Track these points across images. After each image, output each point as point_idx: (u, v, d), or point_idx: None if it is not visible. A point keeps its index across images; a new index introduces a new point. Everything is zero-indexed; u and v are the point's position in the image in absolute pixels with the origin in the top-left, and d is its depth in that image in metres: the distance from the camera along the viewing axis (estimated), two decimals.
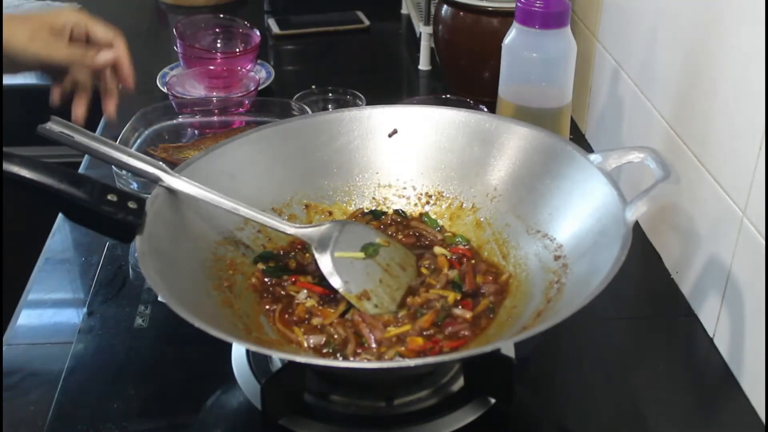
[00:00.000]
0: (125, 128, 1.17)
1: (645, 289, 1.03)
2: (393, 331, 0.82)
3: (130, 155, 0.84)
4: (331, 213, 0.98)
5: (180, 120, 1.24)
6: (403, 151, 0.99)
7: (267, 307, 0.86)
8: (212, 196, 0.85)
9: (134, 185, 1.10)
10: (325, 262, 0.86)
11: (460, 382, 0.84)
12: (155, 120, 1.22)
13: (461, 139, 0.97)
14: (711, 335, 0.93)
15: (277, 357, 0.83)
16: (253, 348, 0.76)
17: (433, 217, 0.98)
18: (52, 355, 0.91)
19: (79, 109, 0.99)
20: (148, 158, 0.85)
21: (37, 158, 0.77)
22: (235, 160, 0.93)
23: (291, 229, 0.89)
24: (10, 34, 0.92)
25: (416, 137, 0.99)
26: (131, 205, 0.79)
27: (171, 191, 0.84)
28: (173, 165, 1.09)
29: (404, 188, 0.99)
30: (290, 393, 0.78)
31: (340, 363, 0.79)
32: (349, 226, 0.92)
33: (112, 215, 0.78)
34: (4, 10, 0.96)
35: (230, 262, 0.88)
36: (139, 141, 1.19)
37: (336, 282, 0.85)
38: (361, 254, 0.88)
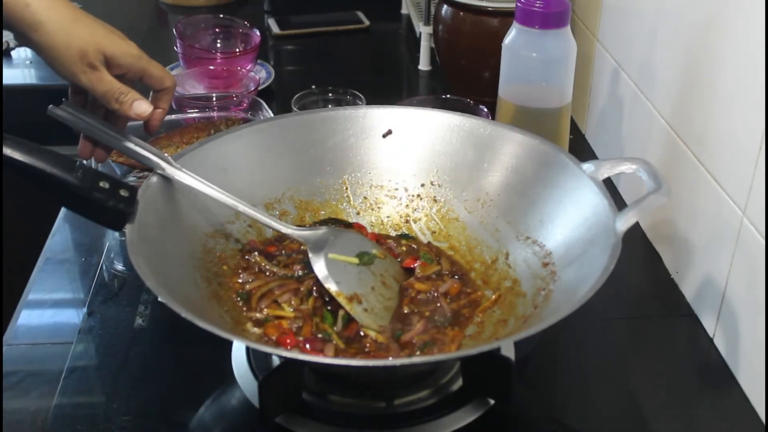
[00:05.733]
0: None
1: (645, 289, 1.03)
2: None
3: (135, 143, 0.85)
4: (324, 213, 0.99)
5: (133, 123, 1.21)
6: (396, 152, 0.99)
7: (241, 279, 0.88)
8: (213, 191, 0.86)
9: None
10: (319, 264, 0.86)
11: (460, 383, 0.84)
12: None
13: (455, 142, 0.97)
14: (711, 335, 0.93)
15: (264, 351, 0.83)
16: (242, 342, 0.76)
17: (424, 219, 0.98)
18: (52, 355, 0.91)
19: None
20: (152, 148, 0.86)
21: (33, 143, 0.77)
22: (228, 153, 0.93)
23: (287, 230, 0.89)
24: (62, 48, 0.81)
25: (410, 139, 0.99)
26: (123, 192, 0.79)
27: (164, 181, 0.85)
28: (132, 168, 1.10)
29: (396, 189, 0.99)
30: (288, 391, 0.78)
31: (337, 360, 0.79)
32: (347, 233, 0.93)
33: (103, 202, 0.78)
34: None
35: (220, 254, 0.89)
36: None
37: (330, 284, 0.85)
38: (356, 260, 0.88)
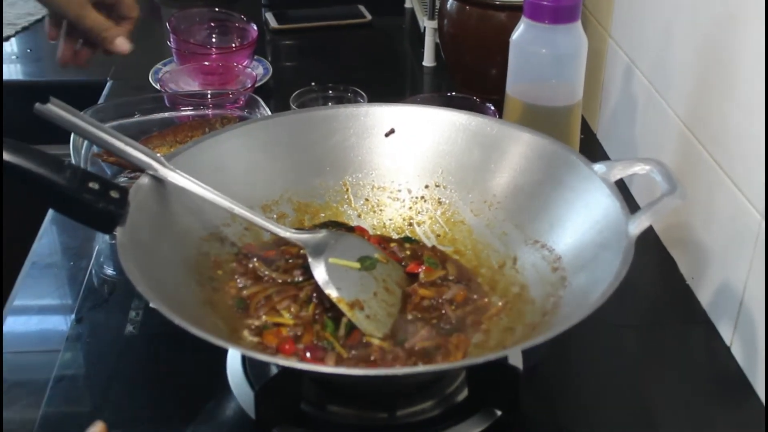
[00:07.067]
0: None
1: (659, 296, 1.03)
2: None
3: (127, 143, 0.85)
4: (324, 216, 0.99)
5: (124, 120, 1.22)
6: (399, 152, 0.99)
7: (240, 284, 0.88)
8: (208, 193, 0.86)
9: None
10: (319, 269, 0.86)
11: (465, 393, 0.84)
12: (106, 119, 1.20)
13: (461, 142, 0.97)
14: (728, 344, 0.93)
15: (261, 359, 0.83)
16: (238, 350, 0.77)
17: (428, 222, 0.98)
18: (38, 363, 0.91)
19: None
20: (143, 147, 0.86)
21: (19, 142, 0.77)
22: (224, 153, 0.93)
23: (286, 233, 0.89)
24: None
25: (414, 138, 0.99)
26: (113, 194, 0.79)
27: (157, 183, 0.85)
28: (123, 168, 1.11)
29: (399, 191, 1.00)
30: (285, 401, 0.78)
31: (336, 370, 0.79)
32: (347, 236, 0.93)
33: (92, 204, 0.78)
34: None
35: (215, 259, 0.89)
36: (86, 143, 1.14)
37: (330, 289, 0.85)
38: (357, 264, 0.88)
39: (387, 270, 0.90)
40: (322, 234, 0.90)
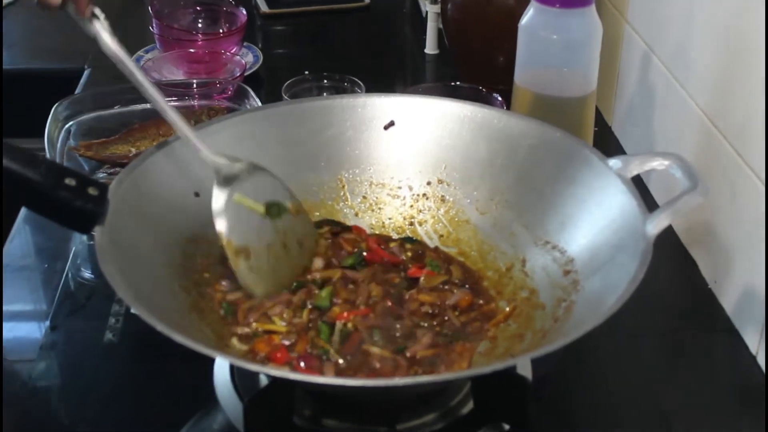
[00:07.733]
0: (48, 123, 1.15)
1: (679, 301, 1.03)
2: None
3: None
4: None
5: (103, 112, 1.22)
6: (399, 145, 0.99)
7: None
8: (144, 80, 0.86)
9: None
10: (218, 198, 0.85)
11: (471, 405, 0.84)
12: (76, 113, 1.20)
13: (466, 135, 0.97)
14: (754, 352, 0.93)
15: (250, 369, 0.82)
16: (225, 359, 0.76)
17: (430, 221, 0.98)
18: (10, 374, 0.90)
19: None
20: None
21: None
22: (213, 146, 0.93)
23: (204, 152, 0.86)
24: None
25: (416, 131, 0.99)
26: (91, 191, 0.79)
27: (139, 179, 0.85)
28: (102, 163, 1.11)
29: (399, 188, 1.00)
30: (276, 413, 0.78)
31: (331, 380, 0.79)
32: (265, 174, 0.91)
33: (69, 202, 0.78)
34: None
35: (201, 261, 0.89)
36: (62, 136, 1.16)
37: (221, 224, 0.85)
38: (262, 209, 0.88)
39: (292, 224, 0.90)
40: (239, 165, 0.88)
